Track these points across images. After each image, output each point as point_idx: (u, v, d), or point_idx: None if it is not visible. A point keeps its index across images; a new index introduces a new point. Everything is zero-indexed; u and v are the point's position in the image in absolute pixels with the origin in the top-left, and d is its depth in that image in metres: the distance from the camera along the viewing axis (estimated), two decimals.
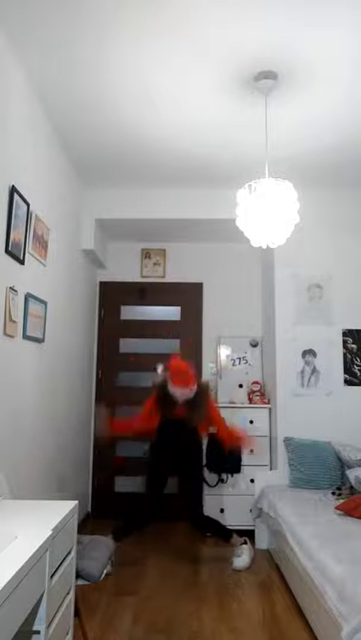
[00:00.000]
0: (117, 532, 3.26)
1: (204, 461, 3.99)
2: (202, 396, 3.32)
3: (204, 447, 4.04)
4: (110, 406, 4.60)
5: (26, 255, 2.72)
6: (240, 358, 4.56)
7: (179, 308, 4.78)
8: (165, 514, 3.54)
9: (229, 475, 3.98)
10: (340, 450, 3.65)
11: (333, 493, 3.36)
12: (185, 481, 3.51)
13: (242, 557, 3.32)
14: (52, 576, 1.55)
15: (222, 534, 3.43)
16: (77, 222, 3.97)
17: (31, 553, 1.32)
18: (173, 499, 4.06)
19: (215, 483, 3.97)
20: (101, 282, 4.82)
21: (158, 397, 3.31)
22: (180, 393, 3.23)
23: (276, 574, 3.27)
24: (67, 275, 3.66)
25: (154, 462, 3.48)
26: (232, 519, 3.97)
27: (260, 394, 4.27)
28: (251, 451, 3.98)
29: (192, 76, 2.67)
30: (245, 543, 3.41)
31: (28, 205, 2.69)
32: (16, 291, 2.56)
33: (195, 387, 3.28)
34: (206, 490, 3.95)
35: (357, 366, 4.00)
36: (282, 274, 4.10)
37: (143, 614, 2.68)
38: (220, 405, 4.06)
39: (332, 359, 3.99)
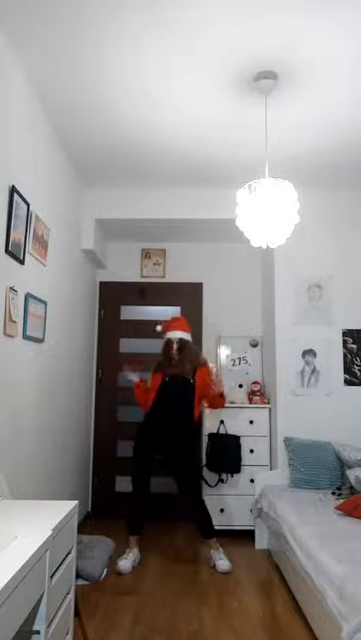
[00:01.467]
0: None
1: (204, 461, 4.00)
2: (191, 352, 3.55)
3: (204, 447, 4.05)
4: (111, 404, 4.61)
5: (26, 254, 2.72)
6: (240, 358, 4.55)
7: (179, 308, 4.78)
8: (151, 505, 3.59)
9: (229, 475, 3.99)
10: (340, 450, 3.65)
11: (333, 493, 3.36)
12: (180, 463, 3.47)
13: (224, 560, 3.32)
14: (52, 576, 1.55)
15: (208, 529, 3.43)
16: (77, 222, 3.97)
17: (31, 554, 1.32)
18: (173, 499, 4.08)
19: (215, 483, 3.97)
20: (101, 282, 4.82)
21: (163, 355, 3.54)
22: (174, 336, 3.50)
23: (276, 574, 3.27)
24: (67, 275, 3.66)
25: (142, 441, 3.51)
26: (232, 519, 3.97)
27: (260, 394, 4.27)
28: (251, 451, 4.00)
29: (192, 76, 2.67)
30: (220, 548, 3.42)
31: (28, 205, 2.70)
32: (16, 291, 2.56)
33: (188, 334, 3.56)
34: (206, 490, 3.95)
35: (357, 366, 3.99)
36: (282, 274, 4.10)
37: (143, 614, 2.68)
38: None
39: (332, 359, 3.99)
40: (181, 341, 3.50)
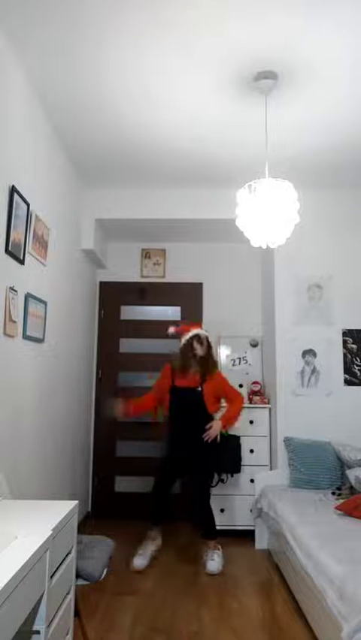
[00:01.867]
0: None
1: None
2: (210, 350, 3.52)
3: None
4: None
5: (26, 255, 2.72)
6: (240, 358, 4.55)
7: (179, 308, 4.78)
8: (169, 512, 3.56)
9: (229, 475, 3.98)
10: (340, 450, 3.65)
11: (333, 493, 3.36)
12: (195, 463, 3.46)
13: (216, 561, 3.29)
14: (52, 576, 1.55)
15: (210, 530, 3.42)
16: (77, 222, 3.97)
17: (31, 554, 1.32)
18: (173, 499, 4.06)
19: (215, 483, 3.96)
20: (101, 282, 4.82)
21: (182, 356, 3.48)
22: (203, 333, 3.50)
23: (276, 574, 3.27)
24: (67, 275, 3.66)
25: (169, 450, 3.51)
26: (232, 519, 3.97)
27: (260, 394, 4.27)
28: (251, 451, 4.00)
29: (192, 76, 2.67)
30: (218, 549, 3.39)
31: (28, 205, 2.70)
32: (16, 291, 2.56)
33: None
34: None
35: (357, 366, 4.00)
36: (282, 274, 4.10)
37: (143, 614, 2.68)
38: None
39: (332, 359, 3.99)
40: (208, 338, 3.49)
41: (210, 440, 3.39)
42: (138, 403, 3.57)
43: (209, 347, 3.48)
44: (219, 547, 3.42)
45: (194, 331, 3.50)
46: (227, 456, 3.90)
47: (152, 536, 3.44)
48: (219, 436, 3.46)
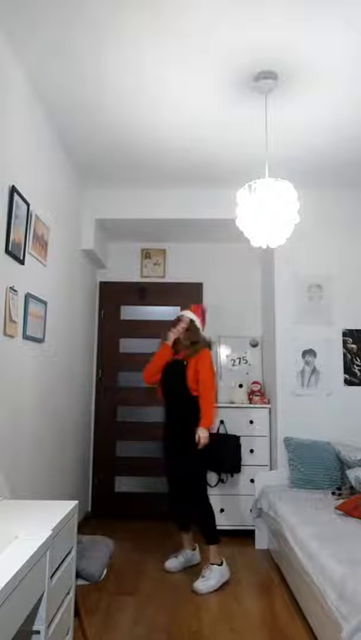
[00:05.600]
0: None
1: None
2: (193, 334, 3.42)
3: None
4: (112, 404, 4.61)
5: (26, 255, 2.72)
6: (240, 358, 4.56)
7: (179, 308, 4.77)
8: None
9: (229, 475, 3.98)
10: (340, 450, 3.65)
11: (333, 493, 3.36)
12: (179, 450, 3.28)
13: (206, 578, 2.99)
14: (52, 576, 1.55)
15: (209, 533, 3.15)
16: (77, 222, 3.97)
17: (31, 553, 1.32)
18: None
19: (215, 483, 3.97)
20: (101, 282, 4.82)
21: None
22: (186, 315, 3.45)
23: (276, 574, 3.27)
24: (67, 275, 3.66)
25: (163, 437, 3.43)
26: (232, 519, 3.97)
27: (260, 394, 4.27)
28: (251, 451, 4.00)
29: (192, 76, 2.67)
30: (221, 564, 3.09)
31: (28, 205, 2.70)
32: (16, 291, 2.56)
33: (198, 321, 3.47)
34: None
35: (357, 366, 3.99)
36: (282, 274, 4.10)
37: (143, 614, 2.68)
38: (220, 405, 4.06)
39: (332, 359, 3.99)
40: (192, 322, 3.42)
41: (202, 447, 3.18)
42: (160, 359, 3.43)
43: (189, 329, 3.40)
44: (222, 559, 3.12)
45: (180, 312, 3.53)
46: (227, 456, 3.90)
47: (185, 545, 3.40)
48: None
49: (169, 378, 3.38)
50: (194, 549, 3.41)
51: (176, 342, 3.42)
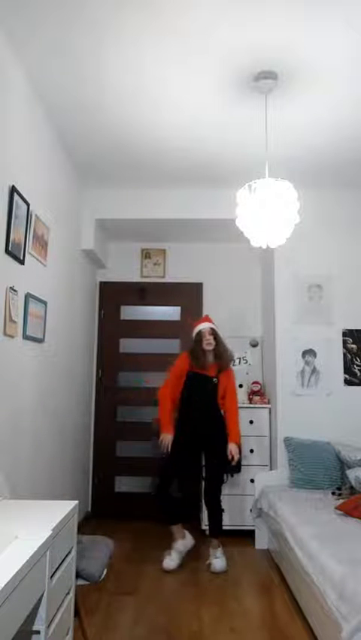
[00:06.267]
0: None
1: (204, 461, 3.98)
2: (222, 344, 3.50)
3: None
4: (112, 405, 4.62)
5: (26, 255, 2.72)
6: (240, 358, 4.55)
7: (179, 308, 4.78)
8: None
9: (229, 475, 3.98)
10: (340, 450, 3.65)
11: (333, 493, 3.36)
12: (210, 460, 3.45)
13: (221, 559, 3.30)
14: (52, 576, 1.55)
15: (219, 526, 3.42)
16: (77, 222, 3.97)
17: (31, 553, 1.32)
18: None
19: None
20: (101, 282, 4.82)
21: (194, 355, 3.44)
22: (205, 327, 3.47)
23: (276, 574, 3.27)
24: (67, 275, 3.66)
25: (177, 436, 3.42)
26: (232, 519, 3.97)
27: (260, 394, 4.27)
28: (251, 451, 4.00)
29: (192, 76, 2.67)
30: (219, 547, 3.38)
31: (28, 205, 2.70)
32: (16, 291, 2.56)
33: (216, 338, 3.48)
34: None
35: (357, 366, 4.00)
36: (282, 274, 4.10)
37: (143, 614, 2.68)
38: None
39: (332, 359, 3.99)
40: (213, 330, 3.46)
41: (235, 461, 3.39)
42: (166, 415, 3.43)
43: (216, 338, 3.45)
44: (221, 545, 3.41)
45: (197, 328, 3.50)
46: (227, 456, 3.90)
47: (176, 536, 3.42)
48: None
49: (196, 393, 3.46)
50: (183, 537, 3.44)
51: (198, 355, 3.42)
